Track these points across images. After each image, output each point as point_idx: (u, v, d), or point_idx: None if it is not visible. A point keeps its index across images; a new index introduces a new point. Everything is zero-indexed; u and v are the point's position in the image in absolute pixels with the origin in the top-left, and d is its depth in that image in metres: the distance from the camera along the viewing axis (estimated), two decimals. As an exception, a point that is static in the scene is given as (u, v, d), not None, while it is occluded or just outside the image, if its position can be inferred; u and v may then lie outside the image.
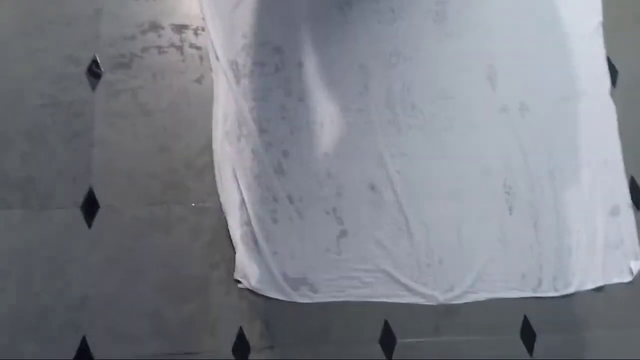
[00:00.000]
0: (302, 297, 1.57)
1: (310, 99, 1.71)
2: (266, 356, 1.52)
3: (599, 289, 1.68)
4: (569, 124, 1.78)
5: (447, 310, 1.61)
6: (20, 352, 1.45)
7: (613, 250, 1.71)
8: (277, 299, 1.56)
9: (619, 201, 1.75)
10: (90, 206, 1.56)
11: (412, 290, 1.60)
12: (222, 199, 1.60)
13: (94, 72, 1.66)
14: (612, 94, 1.83)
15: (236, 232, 1.58)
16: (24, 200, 1.55)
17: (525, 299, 1.64)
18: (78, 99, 1.64)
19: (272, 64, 1.72)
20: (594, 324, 1.65)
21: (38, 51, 1.66)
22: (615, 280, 1.69)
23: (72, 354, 1.46)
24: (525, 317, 1.63)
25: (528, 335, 1.62)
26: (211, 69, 1.70)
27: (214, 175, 1.62)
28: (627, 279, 1.70)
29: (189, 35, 1.73)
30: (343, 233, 1.62)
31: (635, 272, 1.69)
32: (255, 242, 1.58)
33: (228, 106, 1.67)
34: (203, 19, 1.73)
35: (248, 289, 1.55)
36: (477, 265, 1.64)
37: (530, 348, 1.61)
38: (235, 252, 1.56)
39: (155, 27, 1.72)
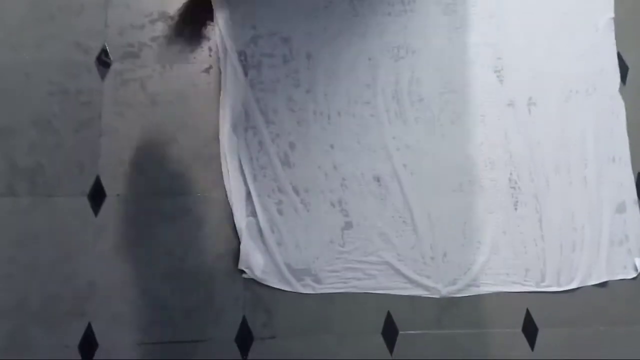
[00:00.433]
0: (306, 287, 1.58)
1: (317, 91, 1.71)
2: (269, 346, 1.54)
3: (602, 285, 1.68)
4: (577, 119, 1.77)
5: (450, 303, 1.61)
6: (26, 337, 1.48)
7: (618, 247, 1.71)
8: (280, 290, 1.57)
9: (625, 198, 1.74)
10: (97, 195, 1.58)
11: (415, 283, 1.61)
12: (228, 190, 1.61)
13: (103, 61, 1.68)
14: (622, 91, 1.81)
15: (241, 222, 1.59)
16: (32, 188, 1.57)
17: (528, 293, 1.64)
18: (87, 87, 1.65)
19: (280, 55, 1.72)
20: (596, 319, 1.65)
21: (47, 39, 1.68)
22: (620, 276, 1.69)
23: (78, 339, 1.49)
24: (527, 311, 1.63)
25: (530, 329, 1.62)
26: (219, 60, 1.70)
27: (220, 166, 1.63)
28: (632, 275, 1.69)
29: (197, 25, 1.73)
30: (348, 225, 1.63)
31: (639, 268, 1.69)
32: (260, 232, 1.59)
33: (236, 97, 1.67)
34: (212, 9, 1.74)
35: (252, 279, 1.57)
36: (481, 259, 1.64)
37: (532, 342, 1.61)
38: (239, 243, 1.58)
39: (164, 16, 1.73)
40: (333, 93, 1.71)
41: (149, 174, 1.61)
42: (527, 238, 1.68)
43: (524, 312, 1.63)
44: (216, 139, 1.65)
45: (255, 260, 1.57)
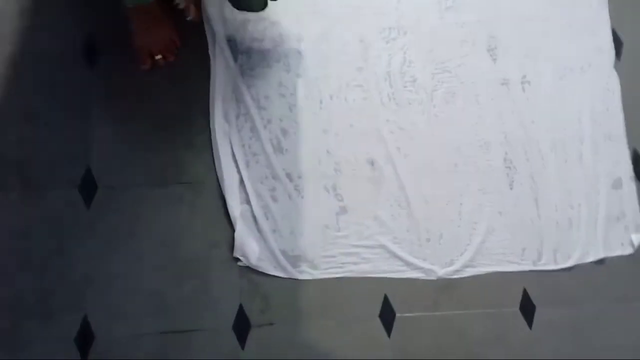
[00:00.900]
0: (302, 274, 1.58)
1: (308, 75, 1.69)
2: (266, 333, 1.53)
3: (599, 262, 1.68)
4: (572, 97, 1.76)
5: (447, 285, 1.61)
6: (21, 331, 1.48)
7: (614, 223, 1.70)
8: (276, 276, 1.57)
9: (622, 174, 1.73)
10: (88, 187, 1.56)
11: (412, 265, 1.61)
12: (220, 178, 1.60)
13: (92, 50, 1.66)
14: (616, 67, 1.80)
15: (235, 210, 1.58)
16: (22, 182, 1.56)
17: (525, 272, 1.64)
18: (76, 78, 1.63)
19: (271, 39, 1.71)
20: (594, 297, 1.65)
21: (35, 29, 1.65)
22: (617, 252, 1.69)
23: (74, 332, 1.49)
24: (524, 290, 1.63)
25: (528, 308, 1.62)
26: (208, 46, 1.68)
27: (212, 154, 1.62)
28: (629, 251, 1.69)
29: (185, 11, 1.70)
30: (342, 210, 1.62)
31: (636, 244, 1.69)
32: (255, 220, 1.59)
33: (226, 83, 1.66)
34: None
35: (248, 267, 1.56)
36: (477, 240, 1.64)
37: (530, 321, 1.62)
38: (234, 230, 1.57)
39: (151, 4, 1.70)
40: (324, 77, 1.70)
41: (140, 164, 1.60)
42: (523, 217, 1.67)
43: (521, 291, 1.64)
44: (208, 126, 1.63)
45: (250, 248, 1.56)
